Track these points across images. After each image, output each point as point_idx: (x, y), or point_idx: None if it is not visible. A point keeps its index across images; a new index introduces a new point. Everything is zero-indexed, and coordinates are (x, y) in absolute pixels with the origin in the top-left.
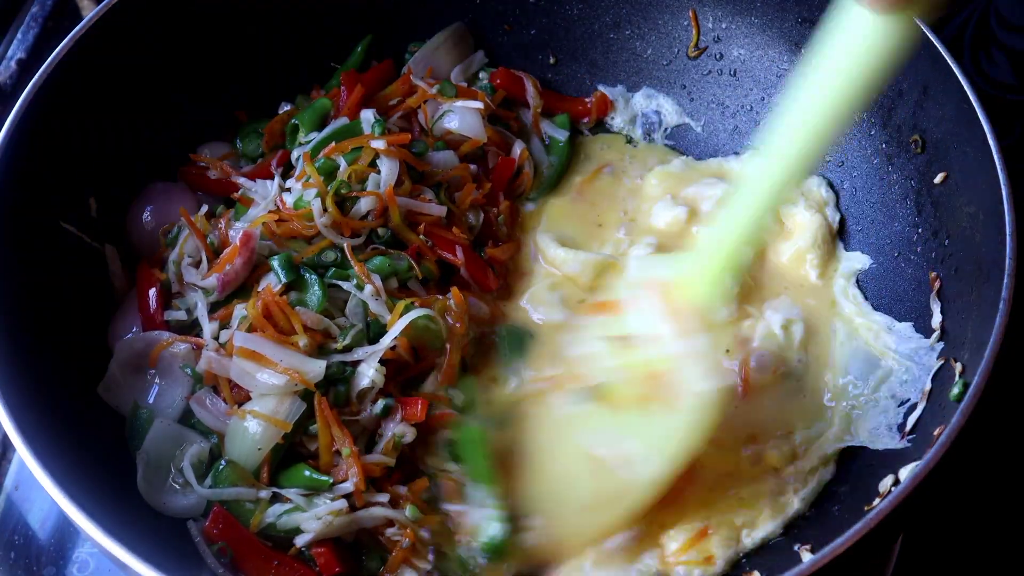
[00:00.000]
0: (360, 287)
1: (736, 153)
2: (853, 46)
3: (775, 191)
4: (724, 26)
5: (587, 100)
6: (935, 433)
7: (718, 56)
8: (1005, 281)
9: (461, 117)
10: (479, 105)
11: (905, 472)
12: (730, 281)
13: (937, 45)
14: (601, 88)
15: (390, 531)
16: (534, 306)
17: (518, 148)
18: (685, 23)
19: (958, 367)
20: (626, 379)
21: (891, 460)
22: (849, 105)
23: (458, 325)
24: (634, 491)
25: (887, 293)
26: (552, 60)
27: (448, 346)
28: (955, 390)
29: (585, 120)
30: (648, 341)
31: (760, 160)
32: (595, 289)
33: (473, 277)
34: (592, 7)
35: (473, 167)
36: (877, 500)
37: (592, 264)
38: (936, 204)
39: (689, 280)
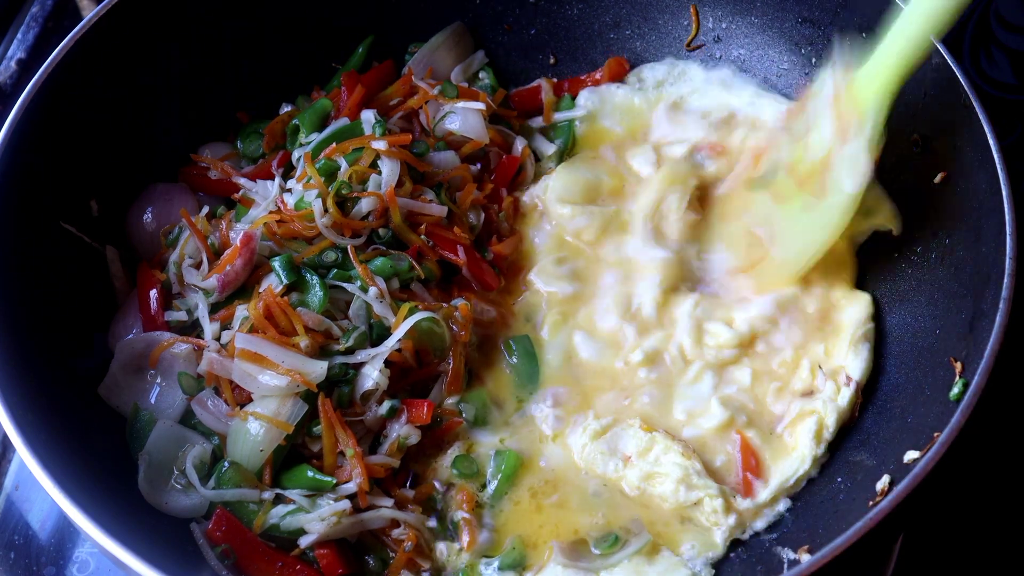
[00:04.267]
0: (364, 289)
1: None
2: None
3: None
4: (724, 26)
5: (596, 74)
6: (935, 433)
7: (718, 56)
8: (1005, 281)
9: (463, 118)
10: (481, 106)
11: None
12: (893, 92)
13: (937, 45)
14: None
15: (396, 532)
16: (544, 280)
17: (519, 145)
18: (685, 23)
19: (958, 367)
20: (791, 172)
21: (891, 459)
22: None
23: (463, 333)
24: (774, 266)
25: (886, 293)
26: (552, 60)
27: (452, 353)
28: (955, 390)
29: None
30: (815, 142)
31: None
32: (599, 245)
33: (475, 276)
34: (592, 7)
35: (474, 167)
36: (877, 500)
37: (599, 216)
38: (936, 204)
39: (861, 86)
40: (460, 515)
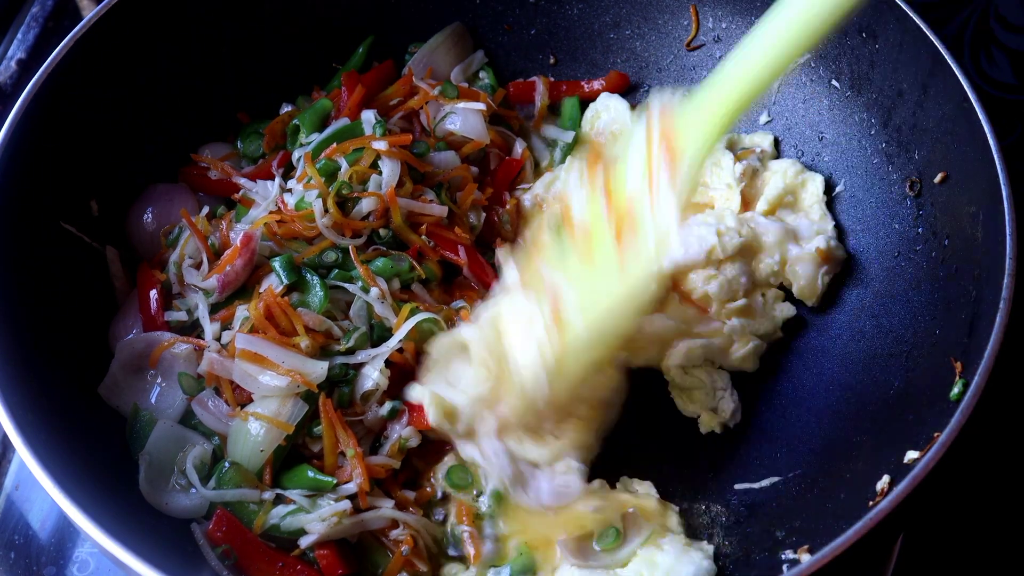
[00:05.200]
0: (366, 289)
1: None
2: None
3: (773, 61)
4: (724, 26)
5: (596, 83)
6: (935, 433)
7: (718, 56)
8: (1005, 281)
9: (463, 118)
10: (481, 107)
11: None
12: (720, 134)
13: (937, 45)
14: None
15: (394, 533)
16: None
17: (519, 147)
18: (685, 23)
19: (958, 367)
20: (600, 215)
21: (891, 459)
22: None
23: None
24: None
25: (886, 293)
26: (552, 60)
27: None
28: (955, 390)
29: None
30: (633, 168)
31: (762, 32)
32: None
33: (476, 276)
34: (592, 7)
35: (475, 169)
36: (877, 500)
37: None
38: (936, 204)
39: (687, 122)
40: (462, 529)
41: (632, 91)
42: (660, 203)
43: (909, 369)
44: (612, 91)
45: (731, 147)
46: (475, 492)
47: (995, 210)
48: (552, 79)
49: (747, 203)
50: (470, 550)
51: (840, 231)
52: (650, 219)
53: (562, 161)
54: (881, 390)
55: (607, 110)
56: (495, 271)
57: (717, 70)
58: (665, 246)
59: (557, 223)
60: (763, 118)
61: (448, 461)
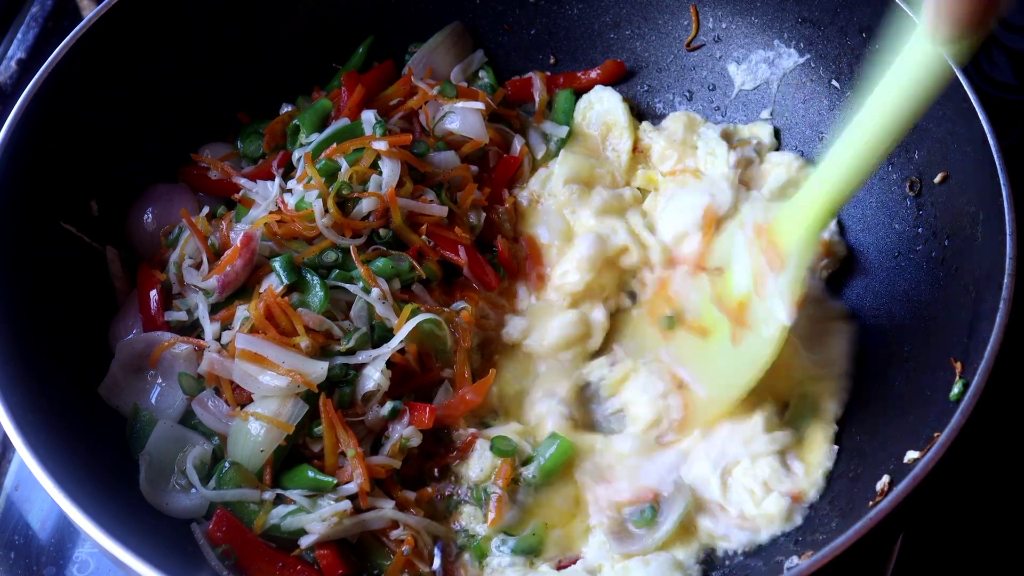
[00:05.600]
0: (367, 290)
1: None
2: (908, 69)
3: (868, 158)
4: (724, 26)
5: (592, 73)
6: (935, 433)
7: (719, 56)
8: (1005, 281)
9: (463, 118)
10: (480, 106)
11: (905, 472)
12: (819, 230)
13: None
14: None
15: (395, 533)
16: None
17: (518, 144)
18: (685, 23)
19: (958, 367)
20: (712, 307)
21: (891, 459)
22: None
23: (464, 340)
24: (701, 406)
25: (886, 293)
26: (552, 60)
27: (457, 358)
28: (955, 390)
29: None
30: (739, 274)
31: (852, 135)
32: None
33: (476, 276)
34: (592, 7)
35: (474, 168)
36: (877, 500)
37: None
38: (936, 204)
39: (785, 223)
40: (493, 489)
41: (628, 79)
42: (770, 302)
43: (909, 369)
44: (608, 80)
45: (727, 137)
46: (519, 461)
47: (995, 210)
48: (547, 73)
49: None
50: (492, 512)
51: (841, 229)
52: (764, 313)
53: (555, 155)
54: (881, 390)
55: (600, 101)
56: (495, 271)
57: (814, 172)
58: (781, 341)
59: (671, 320)
60: (764, 113)
61: (477, 452)
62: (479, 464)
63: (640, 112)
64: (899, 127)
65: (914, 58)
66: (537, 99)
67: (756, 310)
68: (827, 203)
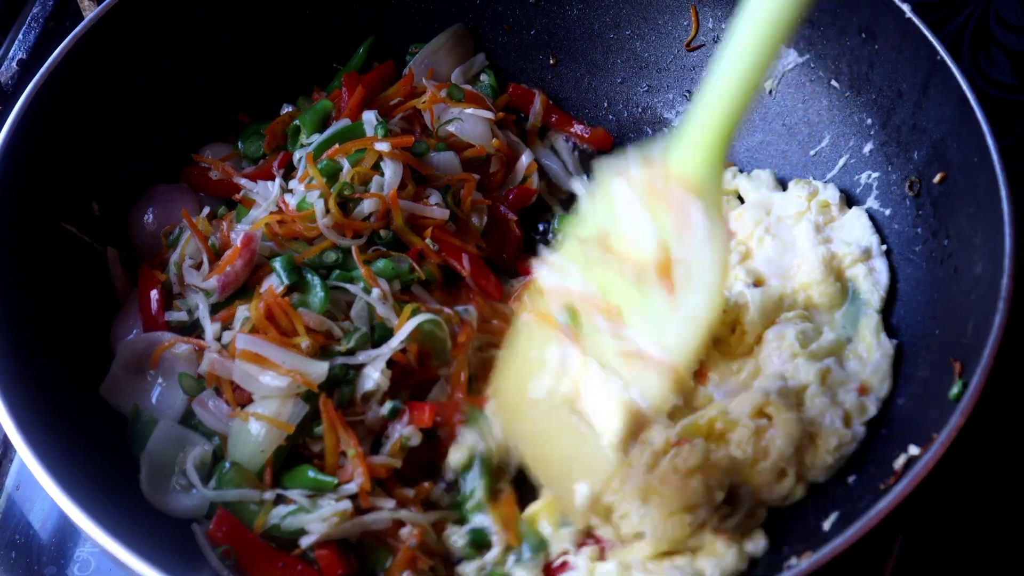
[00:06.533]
0: (367, 290)
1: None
2: None
3: (754, 68)
4: (724, 26)
5: (582, 130)
6: (934, 434)
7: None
8: (1005, 281)
9: (471, 125)
10: (490, 115)
11: (905, 472)
12: (722, 152)
13: (937, 45)
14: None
15: (403, 531)
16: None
17: (526, 159)
18: (685, 23)
19: (958, 367)
20: (616, 282)
21: (890, 460)
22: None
23: (463, 340)
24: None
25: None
26: (552, 60)
27: (455, 357)
28: (955, 390)
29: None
30: (642, 230)
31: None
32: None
33: (478, 286)
34: (592, 7)
35: (477, 176)
36: (876, 500)
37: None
38: (936, 204)
39: (682, 156)
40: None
41: (628, 78)
42: (701, 240)
43: (909, 369)
44: (595, 146)
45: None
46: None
47: (994, 210)
48: (548, 97)
49: None
50: (503, 540)
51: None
52: (697, 245)
53: None
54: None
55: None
56: (498, 281)
57: (696, 99)
58: (725, 257)
59: (568, 307)
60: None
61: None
62: (457, 452)
63: (638, 115)
64: (784, 18)
65: None
66: (531, 120)
67: (684, 253)
68: (729, 116)
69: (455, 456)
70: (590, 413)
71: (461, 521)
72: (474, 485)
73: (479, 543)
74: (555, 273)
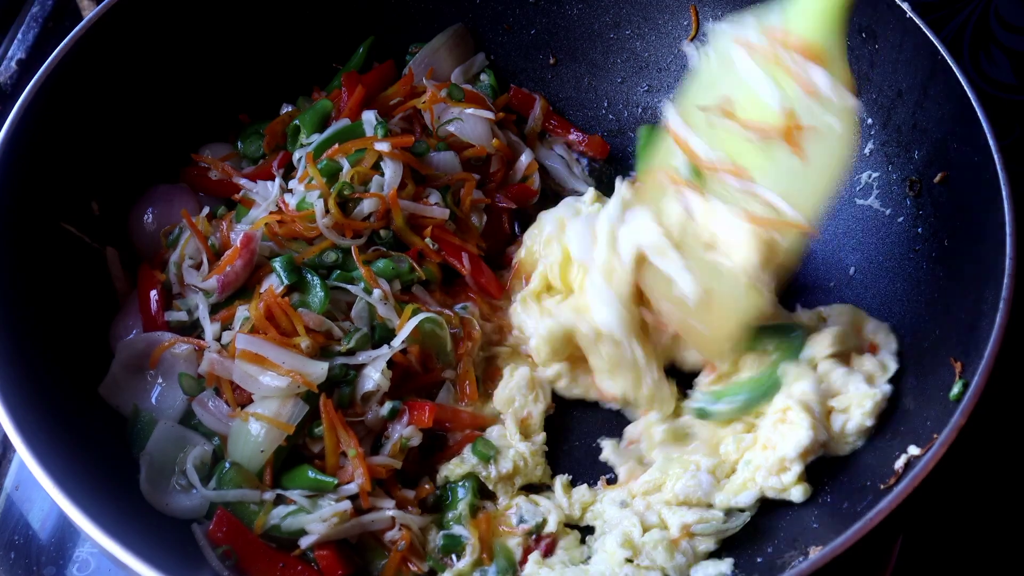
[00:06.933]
0: (368, 291)
1: None
2: None
3: None
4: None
5: (580, 138)
6: (934, 434)
7: None
8: (1005, 281)
9: (471, 125)
10: (490, 115)
11: (905, 472)
12: (840, 11)
13: (937, 45)
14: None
15: (390, 534)
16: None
17: (526, 159)
18: (685, 23)
19: (958, 367)
20: (745, 142)
21: (891, 460)
22: None
23: (469, 343)
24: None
25: (886, 293)
26: (552, 60)
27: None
28: (955, 390)
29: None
30: (767, 94)
31: None
32: None
33: (478, 285)
34: (592, 7)
35: (477, 176)
36: (877, 500)
37: None
38: (936, 204)
39: (800, 19)
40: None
41: (628, 79)
42: (829, 90)
43: (909, 369)
44: (593, 153)
45: None
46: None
47: (995, 210)
48: (548, 99)
49: None
50: (477, 549)
51: None
52: (823, 110)
53: None
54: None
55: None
56: (498, 280)
57: None
58: (852, 121)
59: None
60: None
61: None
62: (457, 468)
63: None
64: None
65: None
66: (530, 124)
67: (809, 113)
68: None
69: (455, 470)
70: (723, 249)
71: (441, 525)
72: (461, 498)
73: (451, 549)
74: (684, 126)
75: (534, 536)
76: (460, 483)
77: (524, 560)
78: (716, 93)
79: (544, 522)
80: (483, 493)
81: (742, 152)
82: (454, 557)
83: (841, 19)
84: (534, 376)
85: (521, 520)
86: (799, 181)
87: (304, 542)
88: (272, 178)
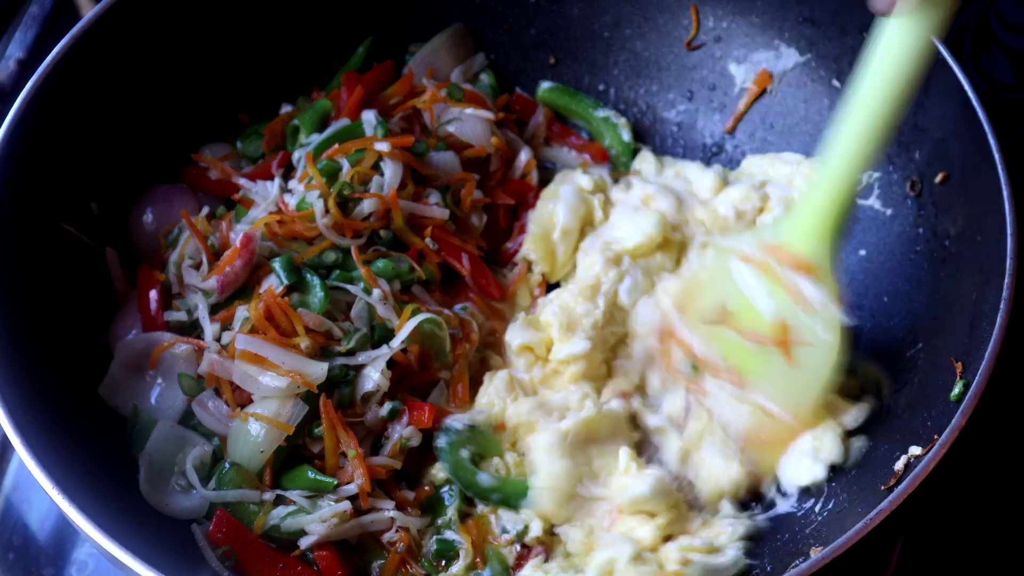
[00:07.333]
0: (368, 291)
1: (733, 160)
2: (885, 53)
3: (861, 154)
4: (725, 25)
5: (584, 153)
6: (935, 434)
7: (719, 56)
8: (1005, 281)
9: (471, 125)
10: (490, 115)
11: (905, 472)
12: (839, 227)
13: (937, 45)
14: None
15: (387, 535)
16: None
17: (524, 156)
18: (686, 23)
19: (958, 367)
20: (743, 345)
21: (891, 460)
22: (894, 103)
23: (467, 345)
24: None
25: (886, 293)
26: (552, 60)
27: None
28: (955, 390)
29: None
30: (762, 302)
31: (842, 132)
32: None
33: (478, 285)
34: (592, 7)
35: (477, 176)
36: (877, 501)
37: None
38: (936, 204)
39: (798, 233)
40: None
41: (628, 78)
42: (818, 302)
43: (909, 369)
44: (593, 160)
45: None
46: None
47: (995, 210)
48: (550, 110)
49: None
50: (471, 554)
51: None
52: (813, 323)
53: None
54: (881, 390)
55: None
56: (499, 281)
57: (816, 174)
58: (839, 332)
59: (694, 366)
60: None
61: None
62: (441, 471)
63: (638, 116)
64: (892, 110)
65: (892, 40)
66: (530, 129)
67: (800, 324)
68: (839, 199)
69: (438, 474)
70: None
71: (434, 528)
72: (448, 504)
73: (444, 554)
74: (682, 324)
75: (518, 544)
76: (445, 488)
77: (518, 566)
78: (714, 299)
79: (526, 528)
80: (469, 499)
81: (738, 353)
82: (447, 562)
83: (833, 237)
84: (512, 376)
85: (504, 530)
86: (791, 384)
87: (304, 542)
88: (272, 178)
